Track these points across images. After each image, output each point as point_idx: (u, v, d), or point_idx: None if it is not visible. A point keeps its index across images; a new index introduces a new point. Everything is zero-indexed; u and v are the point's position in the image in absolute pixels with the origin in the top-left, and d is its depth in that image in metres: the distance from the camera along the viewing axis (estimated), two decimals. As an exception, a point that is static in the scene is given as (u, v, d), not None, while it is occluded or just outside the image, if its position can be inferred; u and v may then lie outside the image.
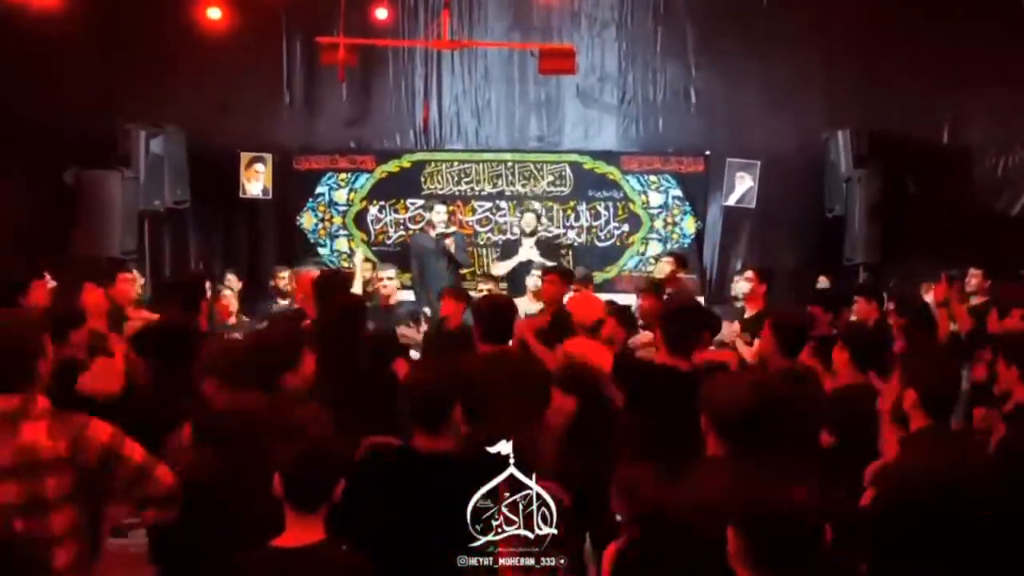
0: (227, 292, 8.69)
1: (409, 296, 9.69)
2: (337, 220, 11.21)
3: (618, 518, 3.53)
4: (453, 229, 9.93)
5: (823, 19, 10.77)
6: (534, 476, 3.09)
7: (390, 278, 8.42)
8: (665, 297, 6.79)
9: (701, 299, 9.42)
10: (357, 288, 8.44)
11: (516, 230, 10.55)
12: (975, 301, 7.64)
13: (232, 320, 8.36)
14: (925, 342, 5.90)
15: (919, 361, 3.50)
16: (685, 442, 3.90)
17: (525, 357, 5.06)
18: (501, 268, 9.94)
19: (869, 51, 10.76)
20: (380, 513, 3.21)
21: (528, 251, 9.92)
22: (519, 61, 11.33)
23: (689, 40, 11.27)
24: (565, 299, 6.74)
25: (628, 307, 6.56)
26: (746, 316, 6.84)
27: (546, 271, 7.54)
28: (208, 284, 8.47)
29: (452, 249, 9.60)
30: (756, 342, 5.84)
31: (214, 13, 9.73)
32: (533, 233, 10.08)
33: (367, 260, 9.65)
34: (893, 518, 3.09)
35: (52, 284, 7.67)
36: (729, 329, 6.83)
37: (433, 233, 9.71)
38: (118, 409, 3.92)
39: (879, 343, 4.87)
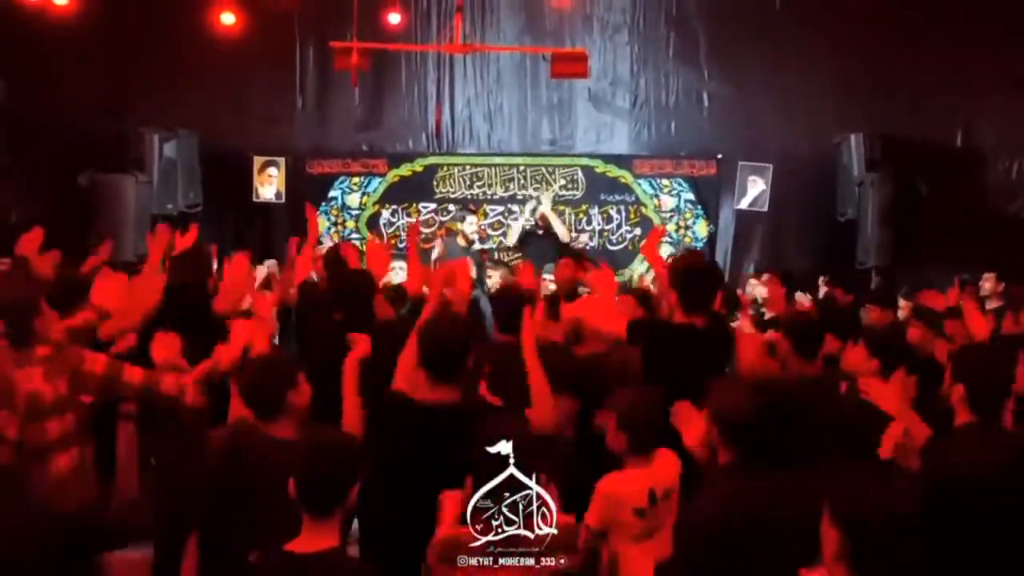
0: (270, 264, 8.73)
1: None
2: (350, 224, 11.24)
3: None
4: (488, 246, 10.01)
5: (835, 23, 10.78)
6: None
7: (402, 268, 8.37)
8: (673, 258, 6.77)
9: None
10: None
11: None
12: (990, 305, 7.62)
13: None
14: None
15: (968, 356, 3.49)
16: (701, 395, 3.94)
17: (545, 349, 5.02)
18: (514, 235, 10.00)
19: (881, 55, 10.76)
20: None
21: (544, 205, 9.90)
22: (531, 65, 11.36)
23: (701, 44, 11.29)
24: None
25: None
26: (767, 317, 6.83)
27: (560, 255, 7.52)
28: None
29: (489, 261, 9.69)
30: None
31: (228, 18, 9.76)
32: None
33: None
34: (939, 516, 3.05)
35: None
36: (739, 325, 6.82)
37: (463, 242, 9.65)
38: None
39: (817, 331, 4.87)
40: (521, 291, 5.22)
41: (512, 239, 10.11)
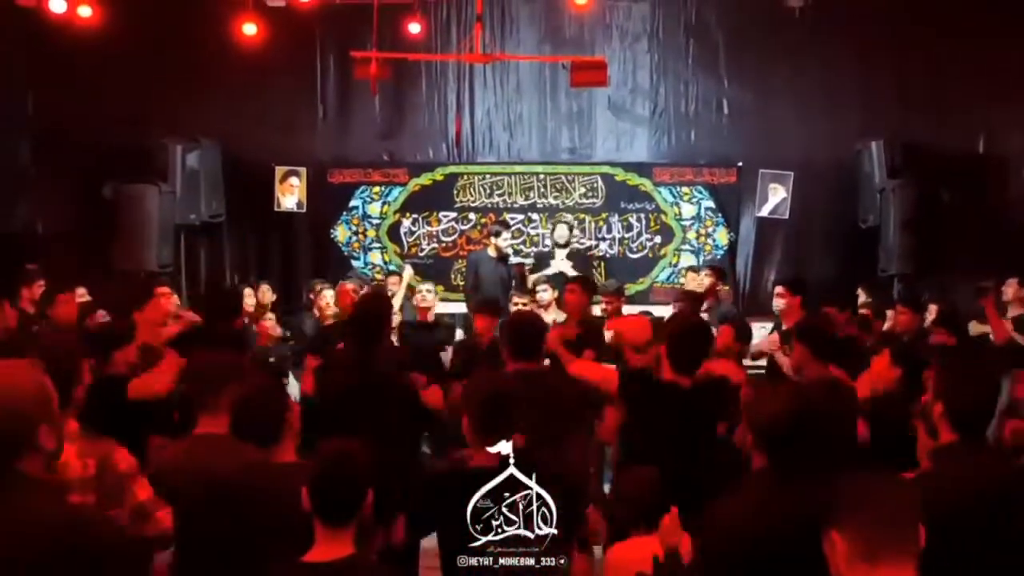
0: (249, 302, 8.80)
1: (446, 308, 9.72)
2: (371, 233, 11.29)
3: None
4: (521, 261, 10.01)
5: (856, 29, 10.73)
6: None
7: (429, 291, 8.27)
8: (672, 314, 6.83)
9: (735, 310, 9.40)
10: (397, 302, 8.54)
11: (548, 242, 10.59)
12: (1013, 312, 7.57)
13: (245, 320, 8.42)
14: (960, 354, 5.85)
15: (949, 374, 3.38)
16: (684, 453, 4.00)
17: (557, 375, 5.07)
18: (532, 280, 9.93)
19: (902, 61, 10.72)
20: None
21: (560, 263, 9.94)
22: (551, 74, 11.37)
23: (721, 51, 11.27)
24: (591, 309, 6.81)
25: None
26: (784, 329, 6.82)
27: (568, 281, 7.56)
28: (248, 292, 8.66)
29: (524, 273, 9.72)
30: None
31: (249, 28, 9.82)
32: (566, 245, 10.10)
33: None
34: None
35: (85, 298, 7.81)
36: (768, 340, 6.83)
37: (493, 253, 9.69)
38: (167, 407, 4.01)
39: (833, 337, 4.90)
40: (534, 317, 5.34)
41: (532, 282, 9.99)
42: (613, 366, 4.97)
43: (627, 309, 8.32)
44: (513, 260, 9.88)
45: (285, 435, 3.48)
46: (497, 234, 9.79)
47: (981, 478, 3.10)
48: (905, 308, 7.21)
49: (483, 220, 10.95)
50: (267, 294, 9.49)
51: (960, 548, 2.97)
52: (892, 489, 2.33)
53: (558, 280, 9.27)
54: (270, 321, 8.60)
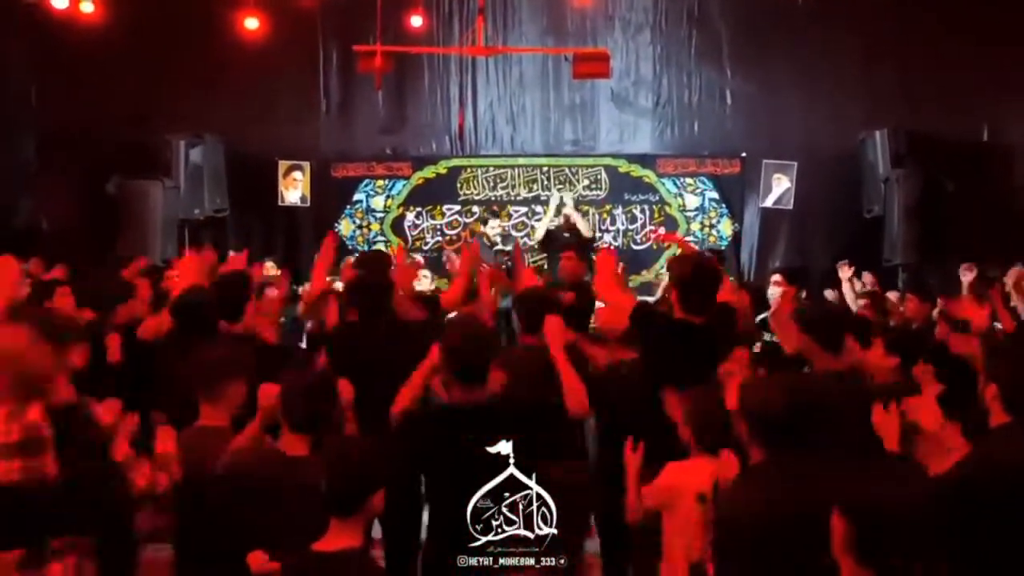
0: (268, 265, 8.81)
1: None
2: (375, 227, 11.29)
3: None
4: (508, 248, 9.69)
5: (858, 19, 10.73)
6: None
7: (424, 276, 8.28)
8: (677, 256, 6.75)
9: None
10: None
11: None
12: (1016, 300, 7.55)
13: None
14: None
15: (1002, 356, 3.36)
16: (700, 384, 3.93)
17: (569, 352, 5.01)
18: (538, 235, 9.99)
19: (906, 51, 10.71)
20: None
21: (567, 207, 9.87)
22: (553, 66, 11.37)
23: (723, 42, 11.26)
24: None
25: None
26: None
27: (564, 248, 7.52)
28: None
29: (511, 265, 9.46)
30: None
31: (251, 23, 9.82)
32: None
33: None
34: (968, 517, 2.97)
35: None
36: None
37: (492, 248, 9.60)
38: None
39: (840, 327, 4.86)
40: (545, 293, 5.24)
41: (536, 238, 10.08)
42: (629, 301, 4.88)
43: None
44: (500, 247, 9.70)
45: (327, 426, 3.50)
46: (485, 222, 9.80)
47: None
48: (913, 296, 7.19)
49: (494, 208, 10.94)
50: (272, 269, 9.48)
51: (1018, 529, 2.96)
52: None
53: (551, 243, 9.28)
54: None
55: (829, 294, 8.84)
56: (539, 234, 10.07)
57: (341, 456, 2.90)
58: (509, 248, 9.57)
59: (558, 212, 10.11)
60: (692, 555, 3.58)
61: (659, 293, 7.85)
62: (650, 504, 3.68)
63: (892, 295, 8.58)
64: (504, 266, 9.32)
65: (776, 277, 7.35)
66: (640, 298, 6.95)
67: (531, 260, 10.02)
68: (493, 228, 9.68)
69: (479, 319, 4.57)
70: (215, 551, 3.39)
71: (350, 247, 11.24)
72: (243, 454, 3.46)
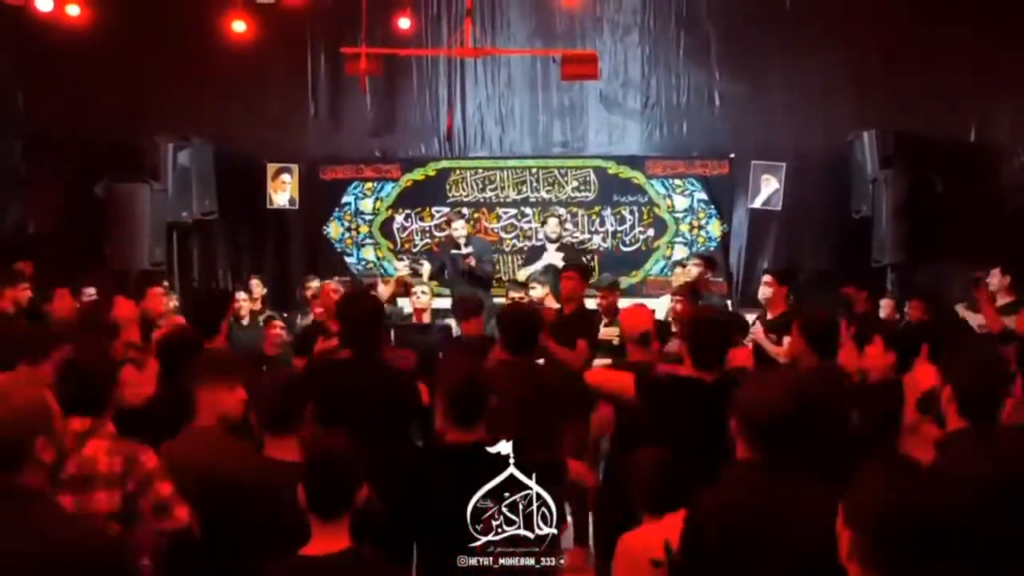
0: (241, 295, 8.80)
1: (441, 304, 9.63)
2: (363, 229, 11.28)
3: None
4: (470, 250, 9.40)
5: (847, 20, 10.74)
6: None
7: (423, 292, 8.02)
8: (691, 309, 6.80)
9: (728, 303, 9.41)
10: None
11: (541, 236, 10.57)
12: (1000, 301, 7.57)
13: (245, 321, 8.65)
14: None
15: (958, 357, 3.37)
16: (711, 449, 3.93)
17: (546, 368, 5.03)
18: (524, 274, 9.87)
19: (894, 51, 10.71)
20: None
21: (552, 255, 9.87)
22: (542, 68, 11.37)
23: (712, 43, 11.26)
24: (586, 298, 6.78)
25: (660, 321, 6.57)
26: (769, 318, 6.83)
27: (565, 268, 7.50)
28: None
29: (472, 264, 9.28)
30: (786, 340, 5.83)
31: (239, 26, 9.80)
32: (557, 239, 10.04)
33: (411, 276, 9.46)
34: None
35: (94, 297, 7.82)
36: (754, 330, 6.82)
37: (454, 251, 9.41)
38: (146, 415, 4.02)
39: (833, 332, 4.88)
40: (535, 311, 5.24)
41: (526, 274, 9.62)
42: (628, 372, 4.87)
43: (621, 303, 8.28)
44: (462, 247, 9.56)
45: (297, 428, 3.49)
46: (449, 222, 9.77)
47: (995, 465, 3.02)
48: (917, 302, 7.22)
49: (476, 215, 10.95)
50: (258, 288, 9.48)
51: (980, 543, 2.89)
52: None
53: (549, 273, 9.24)
54: (278, 328, 7.95)
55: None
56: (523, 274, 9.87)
57: (323, 456, 2.87)
58: (468, 251, 9.41)
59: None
60: None
61: (667, 309, 7.79)
62: None
63: (884, 301, 8.62)
64: (469, 271, 9.25)
65: (767, 278, 7.34)
66: (632, 303, 7.01)
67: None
68: (458, 229, 9.51)
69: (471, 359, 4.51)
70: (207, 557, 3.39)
71: (339, 250, 11.25)
72: (232, 459, 3.46)
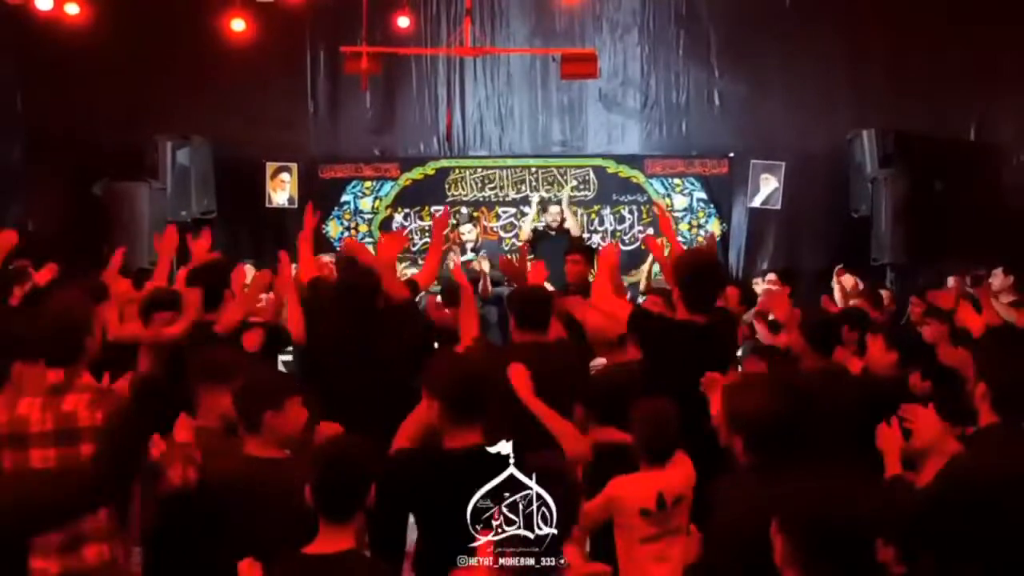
0: (248, 266, 8.76)
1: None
2: (363, 228, 11.27)
3: None
4: (478, 257, 9.60)
5: (847, 18, 10.75)
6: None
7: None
8: (683, 252, 6.73)
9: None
10: None
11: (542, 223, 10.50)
12: (1003, 300, 7.57)
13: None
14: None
15: (991, 351, 3.38)
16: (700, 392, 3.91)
17: (562, 346, 4.95)
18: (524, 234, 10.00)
19: (894, 50, 10.71)
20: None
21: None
22: (541, 67, 11.36)
23: (711, 42, 11.25)
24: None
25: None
26: (771, 319, 6.82)
27: (570, 251, 7.49)
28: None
29: (481, 268, 9.30)
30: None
31: (238, 25, 9.79)
32: (559, 227, 9.97)
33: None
34: (953, 518, 2.96)
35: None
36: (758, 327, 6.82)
37: (459, 256, 9.56)
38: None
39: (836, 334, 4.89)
40: (542, 291, 5.17)
41: (523, 237, 10.05)
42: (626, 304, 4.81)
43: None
44: (470, 251, 9.65)
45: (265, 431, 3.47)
46: (457, 224, 9.96)
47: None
48: (919, 300, 7.22)
49: (475, 214, 10.95)
50: (251, 272, 9.46)
51: (1003, 531, 2.93)
52: None
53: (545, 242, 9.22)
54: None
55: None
56: (525, 233, 10.05)
57: (335, 456, 2.88)
58: (474, 258, 9.46)
59: (544, 210, 10.12)
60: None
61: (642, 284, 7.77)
62: (589, 522, 3.61)
63: (885, 292, 8.60)
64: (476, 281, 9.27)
65: (771, 276, 7.39)
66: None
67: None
68: (468, 233, 9.63)
69: (470, 356, 4.48)
70: (200, 557, 3.38)
71: (337, 248, 11.22)
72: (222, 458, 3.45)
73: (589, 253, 7.43)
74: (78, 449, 3.23)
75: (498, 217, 11.14)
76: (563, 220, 10.04)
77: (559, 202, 10.40)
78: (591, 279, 6.65)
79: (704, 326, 4.30)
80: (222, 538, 3.22)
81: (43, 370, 3.34)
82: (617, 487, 3.75)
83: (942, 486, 3.02)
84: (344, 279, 5.45)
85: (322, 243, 11.18)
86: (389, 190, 11.25)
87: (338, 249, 9.02)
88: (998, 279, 7.77)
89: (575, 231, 9.90)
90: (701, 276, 4.39)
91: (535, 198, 10.35)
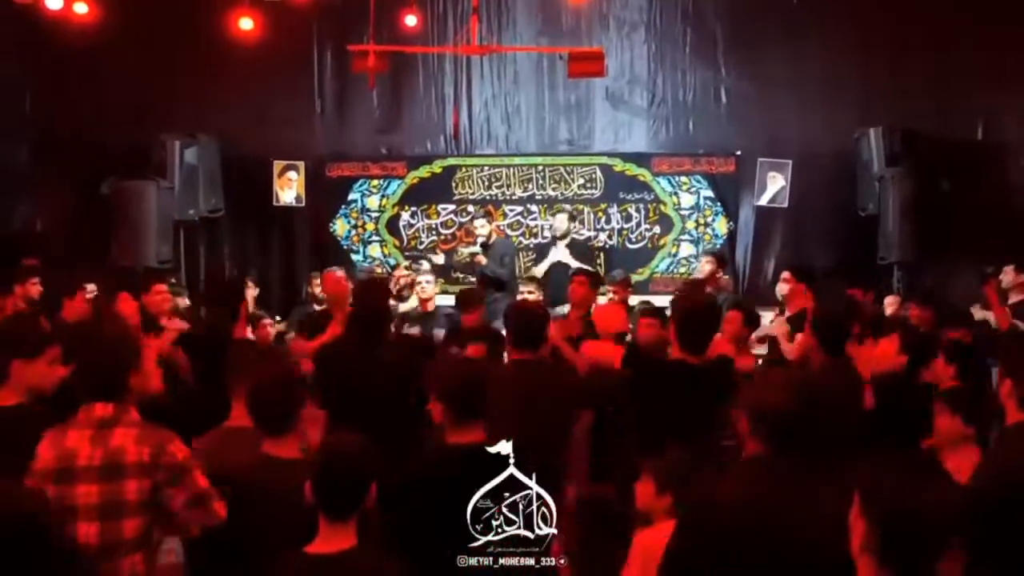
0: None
1: (446, 300, 9.66)
2: (370, 226, 11.29)
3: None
4: (476, 249, 9.46)
5: (853, 16, 10.72)
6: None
7: (428, 281, 8.20)
8: (677, 295, 6.79)
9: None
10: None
11: (547, 233, 10.58)
12: (1013, 299, 7.58)
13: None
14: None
15: (1016, 349, 3.36)
16: (698, 432, 3.93)
17: (555, 367, 5.03)
18: (537, 271, 9.90)
19: (901, 48, 10.69)
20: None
21: (560, 252, 9.86)
22: (548, 65, 11.34)
23: (718, 40, 11.24)
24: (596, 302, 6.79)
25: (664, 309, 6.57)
26: (788, 315, 6.84)
27: (575, 273, 7.53)
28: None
29: (483, 263, 9.31)
30: (798, 337, 5.84)
31: (246, 23, 9.81)
32: (565, 235, 9.99)
33: (409, 268, 9.58)
34: (988, 516, 2.94)
35: (94, 294, 7.80)
36: (777, 323, 6.81)
37: (470, 249, 9.54)
38: (158, 409, 4.04)
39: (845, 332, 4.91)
40: (539, 308, 5.29)
41: (540, 271, 9.84)
42: (618, 347, 4.90)
43: (631, 300, 8.30)
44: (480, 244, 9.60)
45: (295, 427, 3.49)
46: (472, 221, 9.94)
47: None
48: (915, 304, 7.21)
49: (482, 212, 10.96)
50: (251, 289, 9.48)
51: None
52: None
53: (558, 271, 9.25)
54: (267, 328, 8.21)
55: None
56: (543, 267, 9.92)
57: (336, 458, 2.89)
58: (480, 252, 9.42)
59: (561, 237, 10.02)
60: None
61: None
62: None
63: (890, 298, 8.60)
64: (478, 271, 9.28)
65: (785, 274, 7.40)
66: (640, 300, 7.02)
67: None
68: (482, 227, 9.59)
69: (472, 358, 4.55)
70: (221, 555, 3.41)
71: (345, 247, 11.26)
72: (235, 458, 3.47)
73: (595, 278, 7.50)
74: (122, 485, 3.25)
75: (505, 216, 11.14)
76: (568, 231, 10.01)
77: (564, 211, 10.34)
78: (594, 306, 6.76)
79: (696, 367, 4.35)
80: None
81: (90, 404, 3.32)
82: (642, 541, 3.67)
83: (977, 483, 3.03)
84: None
85: (330, 244, 11.25)
86: (396, 188, 11.26)
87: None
88: (1008, 276, 7.76)
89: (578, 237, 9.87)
90: (697, 319, 4.45)
91: (559, 229, 10.08)
